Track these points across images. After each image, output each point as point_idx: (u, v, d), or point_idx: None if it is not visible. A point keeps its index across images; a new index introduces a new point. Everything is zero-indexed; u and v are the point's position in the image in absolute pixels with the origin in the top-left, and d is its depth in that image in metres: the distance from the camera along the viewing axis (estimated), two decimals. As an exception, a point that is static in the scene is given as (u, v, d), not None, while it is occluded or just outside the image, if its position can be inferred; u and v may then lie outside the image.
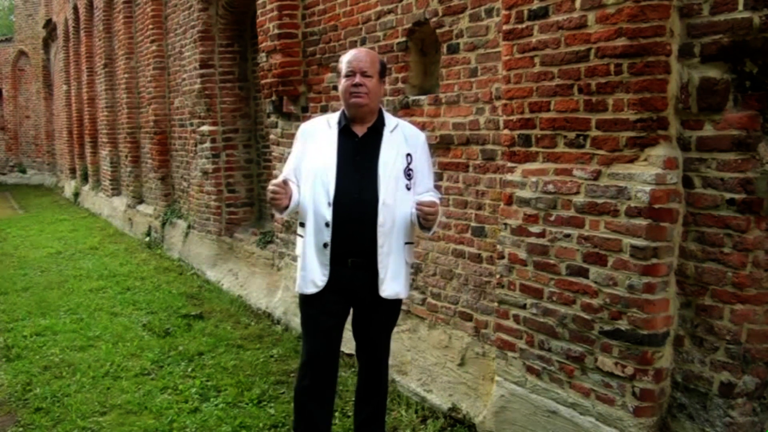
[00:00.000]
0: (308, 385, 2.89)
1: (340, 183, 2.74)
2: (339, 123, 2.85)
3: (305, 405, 2.91)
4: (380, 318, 2.91)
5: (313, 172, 2.78)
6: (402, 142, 2.83)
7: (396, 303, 2.91)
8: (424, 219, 2.73)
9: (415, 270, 3.98)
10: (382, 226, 2.73)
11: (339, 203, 2.73)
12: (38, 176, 19.66)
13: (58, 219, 11.74)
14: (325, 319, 2.85)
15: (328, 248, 2.75)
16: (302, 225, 2.84)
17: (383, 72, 2.85)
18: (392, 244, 2.77)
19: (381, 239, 2.74)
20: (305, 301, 2.87)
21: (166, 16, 8.24)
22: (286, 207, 2.76)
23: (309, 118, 4.90)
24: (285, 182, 2.73)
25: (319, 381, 2.89)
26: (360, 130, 2.83)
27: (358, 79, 2.72)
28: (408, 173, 2.80)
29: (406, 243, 2.84)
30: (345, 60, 2.80)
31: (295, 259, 5.20)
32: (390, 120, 2.89)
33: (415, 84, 4.01)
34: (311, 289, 2.79)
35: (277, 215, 2.84)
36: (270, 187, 2.72)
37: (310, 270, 2.78)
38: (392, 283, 2.79)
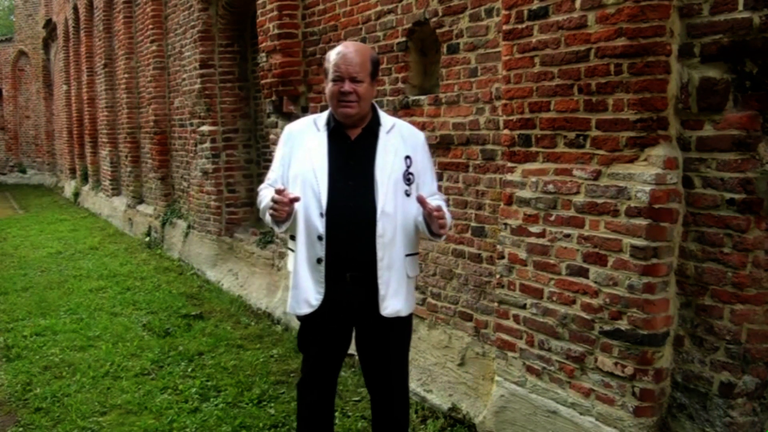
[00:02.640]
0: (310, 401, 2.70)
1: (332, 191, 2.47)
2: (328, 124, 2.57)
3: (307, 416, 2.73)
4: (385, 340, 2.60)
5: (302, 179, 2.48)
6: (400, 144, 2.55)
7: (403, 322, 2.60)
8: (433, 224, 2.42)
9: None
10: (382, 237, 2.46)
11: (332, 214, 2.45)
12: (38, 176, 19.66)
13: (58, 219, 11.73)
14: (325, 344, 2.60)
15: (323, 264, 2.47)
16: (293, 238, 2.56)
17: (375, 72, 2.54)
18: (393, 256, 2.49)
19: (380, 252, 2.46)
20: (302, 323, 2.64)
21: (166, 16, 8.24)
22: (286, 220, 2.45)
23: (309, 118, 4.92)
24: (293, 198, 2.40)
25: (318, 401, 2.70)
26: (353, 132, 2.55)
27: (347, 86, 2.44)
28: (407, 177, 2.52)
29: (408, 255, 2.57)
30: (332, 61, 2.48)
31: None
32: (386, 119, 2.61)
33: (415, 84, 4.01)
34: (305, 310, 2.53)
35: (276, 230, 2.52)
36: (275, 196, 2.37)
37: (303, 288, 2.52)
38: (393, 300, 2.50)
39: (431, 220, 2.42)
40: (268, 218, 2.49)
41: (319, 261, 2.48)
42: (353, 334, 2.69)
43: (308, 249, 2.49)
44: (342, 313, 2.55)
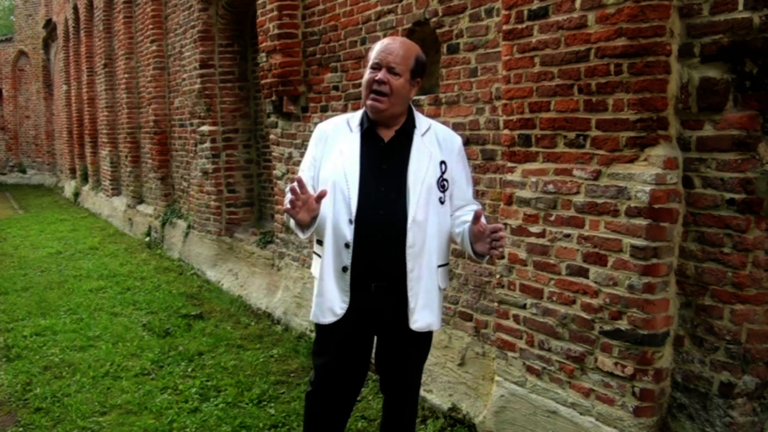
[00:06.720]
0: (319, 411, 2.58)
1: (363, 197, 2.34)
2: (361, 124, 2.43)
3: (312, 428, 2.63)
4: (409, 352, 2.51)
5: (333, 182, 2.33)
6: (435, 148, 2.42)
7: (427, 334, 2.53)
8: (485, 243, 2.26)
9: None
10: (412, 247, 2.34)
11: (362, 221, 2.33)
12: (38, 176, 19.66)
13: (58, 219, 11.73)
14: (343, 354, 2.47)
15: (348, 273, 2.36)
16: (319, 243, 2.43)
17: (418, 71, 2.38)
18: (423, 267, 2.37)
19: (410, 263, 2.35)
20: (321, 331, 2.50)
21: (166, 16, 8.24)
22: (309, 224, 2.28)
23: (309, 118, 4.92)
24: (319, 195, 2.23)
25: (325, 414, 2.58)
26: (386, 134, 2.41)
27: (381, 74, 2.30)
28: (442, 184, 2.39)
29: (440, 266, 2.45)
30: (376, 48, 2.36)
31: (295, 259, 5.23)
32: (422, 121, 2.47)
33: (415, 84, 4.01)
34: (329, 318, 2.40)
35: (300, 235, 2.34)
36: (293, 186, 2.19)
37: (329, 297, 2.39)
38: (423, 312, 2.40)
39: (481, 238, 2.27)
40: (293, 222, 2.33)
41: (344, 269, 2.37)
42: (374, 346, 2.61)
43: (335, 256, 2.37)
44: (366, 323, 2.45)
